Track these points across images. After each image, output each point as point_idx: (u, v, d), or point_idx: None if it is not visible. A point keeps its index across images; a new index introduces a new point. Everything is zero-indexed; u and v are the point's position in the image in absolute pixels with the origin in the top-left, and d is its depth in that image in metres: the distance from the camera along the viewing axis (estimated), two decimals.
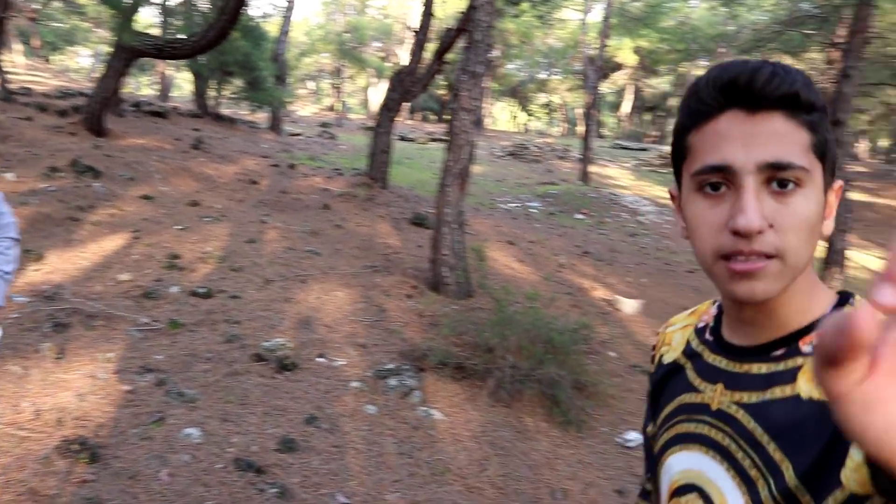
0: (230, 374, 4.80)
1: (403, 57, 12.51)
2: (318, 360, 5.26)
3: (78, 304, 5.52)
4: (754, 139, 0.83)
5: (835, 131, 7.15)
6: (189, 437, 3.97)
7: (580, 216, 15.32)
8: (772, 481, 0.85)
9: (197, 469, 3.69)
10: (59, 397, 4.20)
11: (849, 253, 9.54)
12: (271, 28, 26.70)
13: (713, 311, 1.10)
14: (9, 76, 17.22)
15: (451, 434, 4.66)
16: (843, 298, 0.95)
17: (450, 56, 12.90)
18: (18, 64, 26.76)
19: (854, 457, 0.76)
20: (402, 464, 4.19)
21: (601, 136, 37.74)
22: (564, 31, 38.02)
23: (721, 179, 0.85)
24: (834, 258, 9.25)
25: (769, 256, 0.83)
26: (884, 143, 36.94)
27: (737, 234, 0.83)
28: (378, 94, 45.94)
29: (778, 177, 0.83)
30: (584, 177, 20.46)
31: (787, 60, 27.39)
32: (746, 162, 0.83)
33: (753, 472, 0.88)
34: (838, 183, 0.92)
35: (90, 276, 6.28)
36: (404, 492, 3.92)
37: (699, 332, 1.09)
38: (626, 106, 41.23)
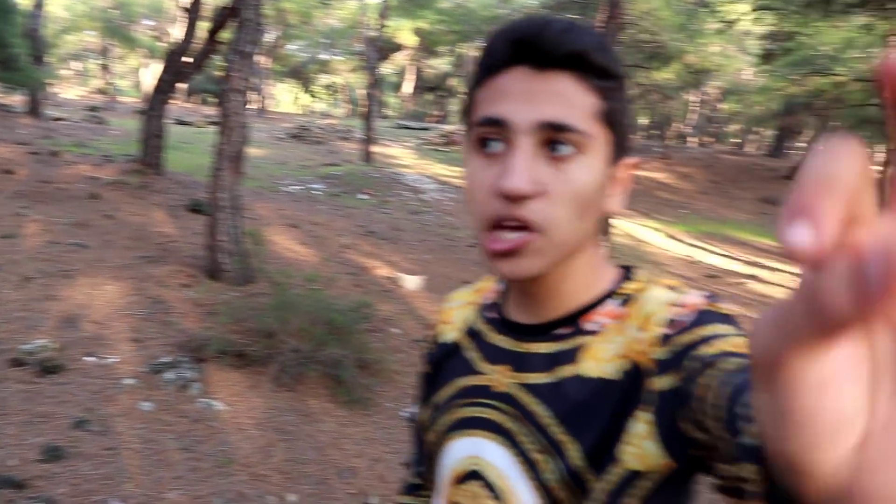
0: None
1: (176, 36, 11.97)
2: (86, 359, 4.96)
3: None
4: (536, 97, 0.78)
5: None
6: None
7: (364, 196, 15.42)
8: (556, 462, 0.83)
9: None
10: None
11: (613, 221, 10.30)
12: (24, 1, 24.49)
13: (499, 287, 1.06)
14: None
15: (233, 424, 4.58)
16: (626, 272, 0.94)
17: (224, 36, 12.48)
18: None
19: (632, 431, 0.78)
20: (182, 459, 4.07)
21: (384, 117, 38.12)
22: (344, 11, 37.91)
23: (497, 136, 0.80)
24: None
25: (531, 230, 0.79)
26: (645, 120, 40.10)
27: (506, 197, 0.78)
28: (151, 75, 43.63)
29: (556, 138, 0.78)
30: (367, 157, 20.59)
31: None
32: (523, 119, 0.78)
33: (537, 455, 0.86)
34: (634, 159, 0.89)
35: None
36: (186, 488, 3.82)
37: (483, 309, 1.05)
38: (408, 86, 41.85)
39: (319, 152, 22.11)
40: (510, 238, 0.79)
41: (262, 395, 4.97)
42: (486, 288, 1.09)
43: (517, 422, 0.89)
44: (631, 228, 15.40)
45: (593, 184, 0.81)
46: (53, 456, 3.82)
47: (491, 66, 0.83)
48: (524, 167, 0.77)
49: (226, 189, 7.01)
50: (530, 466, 0.86)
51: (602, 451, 0.81)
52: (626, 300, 0.89)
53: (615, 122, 0.83)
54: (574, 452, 0.83)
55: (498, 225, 0.80)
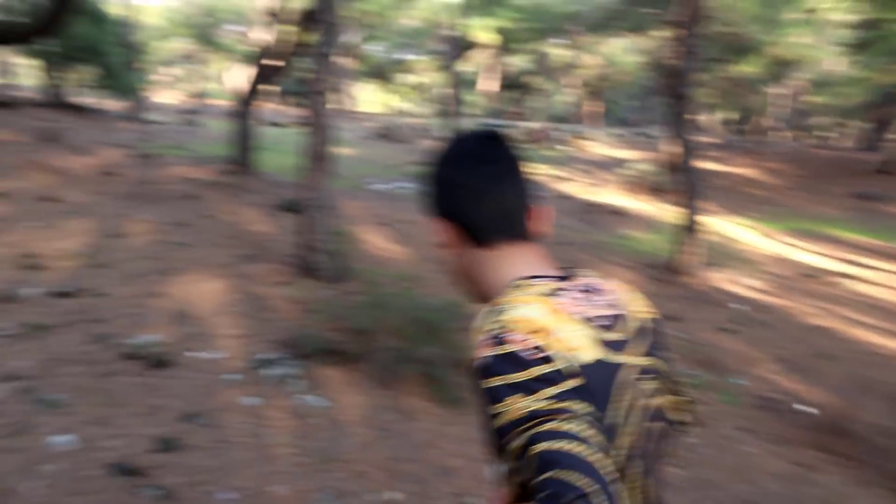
0: (101, 376, 4.62)
1: (259, 40, 12.31)
2: (193, 354, 5.14)
3: None
4: None
5: (679, 104, 7.52)
6: (61, 444, 3.81)
7: None
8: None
9: (72, 477, 3.55)
10: None
11: (703, 219, 10.08)
12: (119, 11, 25.45)
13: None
14: None
15: (335, 420, 4.66)
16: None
17: (307, 39, 12.73)
18: None
19: None
20: (287, 454, 4.17)
21: (465, 115, 38.14)
22: (423, 11, 38.07)
23: None
24: (690, 225, 9.73)
25: None
26: (734, 115, 39.02)
27: None
28: (238, 78, 44.71)
29: None
30: None
31: (635, 37, 28.58)
32: None
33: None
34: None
35: None
36: (291, 483, 3.91)
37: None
38: (489, 84, 41.81)
39: (405, 151, 22.30)
40: None
41: (361, 393, 5.05)
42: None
43: None
44: (722, 226, 15.03)
45: None
46: (166, 447, 3.96)
47: None
48: None
49: (316, 188, 7.16)
50: None
51: None
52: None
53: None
54: None
55: None
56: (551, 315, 1.08)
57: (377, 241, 9.35)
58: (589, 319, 1.14)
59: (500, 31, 34.59)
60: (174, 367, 4.92)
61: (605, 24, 22.05)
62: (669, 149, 10.73)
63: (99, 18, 19.97)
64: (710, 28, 15.53)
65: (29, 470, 3.55)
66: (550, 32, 35.10)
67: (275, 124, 24.89)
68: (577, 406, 0.96)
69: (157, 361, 4.87)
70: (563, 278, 1.22)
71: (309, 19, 11.42)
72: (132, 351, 4.96)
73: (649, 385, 1.19)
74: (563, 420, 0.92)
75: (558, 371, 1.00)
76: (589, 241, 12.01)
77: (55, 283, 6.08)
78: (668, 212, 12.87)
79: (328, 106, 7.28)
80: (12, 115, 16.14)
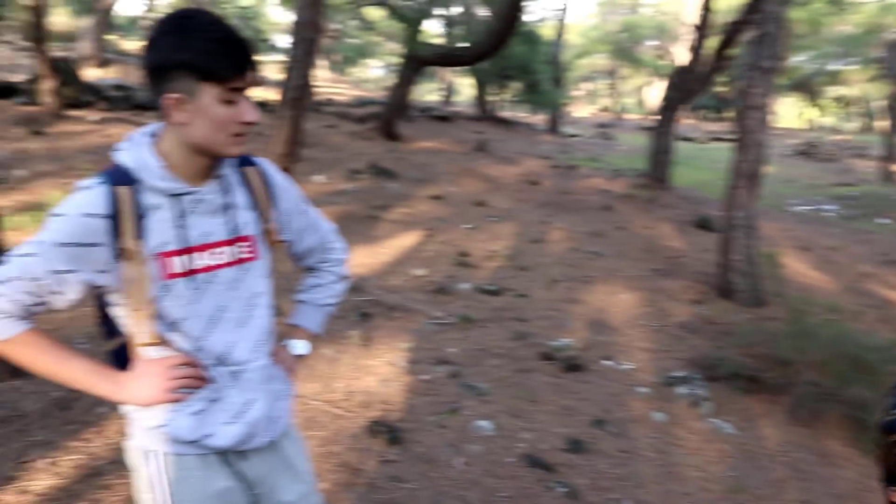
0: (519, 371, 4.92)
1: (680, 54, 12.09)
2: (604, 362, 5.23)
3: (379, 296, 5.96)
4: None
5: None
6: (481, 428, 4.11)
7: (884, 220, 13.86)
8: None
9: (488, 460, 3.81)
10: (366, 381, 4.55)
11: None
12: (547, 32, 27.01)
13: None
14: (316, 89, 18.99)
15: (744, 450, 4.41)
16: None
17: (732, 51, 12.26)
18: (322, 78, 29.44)
19: None
20: (692, 476, 4.03)
21: None
22: (860, 15, 34.55)
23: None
24: None
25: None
26: None
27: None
28: (655, 93, 44.95)
29: None
30: (888, 177, 18.51)
31: None
32: None
33: None
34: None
35: (389, 270, 6.75)
36: None
37: None
38: None
39: (830, 170, 20.56)
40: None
41: (775, 426, 4.71)
42: None
43: None
44: None
45: None
46: (576, 448, 4.06)
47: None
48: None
49: (741, 207, 6.85)
50: None
51: None
52: None
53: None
54: None
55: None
56: None
57: (796, 266, 8.70)
58: None
59: None
60: (587, 371, 5.05)
61: None
62: None
63: (532, 40, 21.43)
64: None
65: (455, 446, 3.88)
66: None
67: (688, 139, 24.52)
68: None
69: (572, 364, 5.04)
70: None
71: (739, 31, 11.02)
72: (549, 351, 5.21)
73: None
74: None
75: None
76: None
77: (483, 280, 6.62)
78: None
79: (762, 122, 6.92)
80: (451, 127, 18.02)
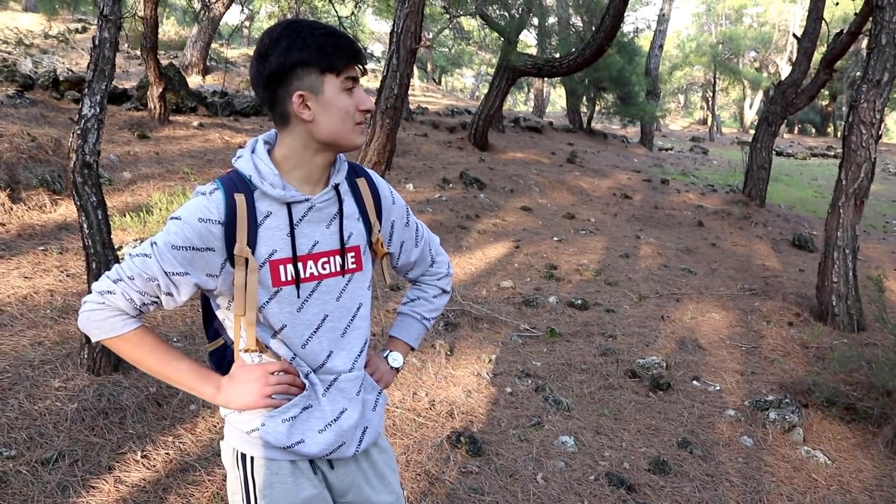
0: (604, 388, 4.87)
1: (782, 66, 11.71)
2: (692, 382, 5.13)
3: (466, 306, 6.00)
4: None
5: None
6: (564, 444, 4.09)
7: None
8: None
9: (570, 477, 3.79)
10: (450, 391, 4.58)
11: None
12: (644, 43, 26.68)
13: None
14: (410, 98, 19.25)
15: (837, 481, 4.25)
16: None
17: (839, 64, 11.84)
18: (416, 86, 29.81)
19: None
20: None
21: None
22: None
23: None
24: None
25: None
26: None
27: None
28: (753, 106, 43.78)
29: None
30: None
31: None
32: None
33: None
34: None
35: (476, 280, 6.79)
36: None
37: None
38: None
39: None
40: None
41: (872, 458, 4.52)
42: None
43: None
44: None
45: None
46: (660, 469, 4.00)
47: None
48: None
49: (844, 228, 6.61)
50: None
51: None
52: None
53: None
54: None
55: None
56: None
57: None
58: None
59: None
60: (673, 391, 4.96)
61: None
62: None
63: (629, 50, 21.19)
64: None
65: (537, 461, 3.88)
66: None
67: (782, 154, 23.76)
68: None
69: (658, 383, 4.96)
70: None
71: (850, 42, 10.64)
72: (635, 369, 5.14)
73: None
74: None
75: None
76: None
77: (571, 293, 6.58)
78: None
79: (873, 140, 6.66)
80: (542, 138, 17.96)
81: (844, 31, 10.88)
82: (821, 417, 4.85)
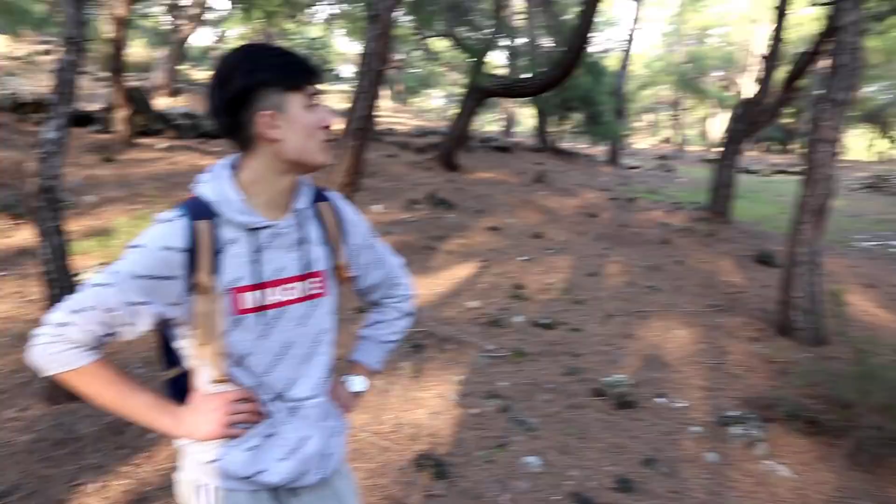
0: (570, 407, 4.88)
1: (746, 85, 11.96)
2: (657, 399, 5.15)
3: (432, 327, 5.98)
4: None
5: None
6: (529, 465, 4.09)
7: None
8: None
9: (535, 498, 3.78)
10: (415, 413, 4.56)
11: None
12: (611, 63, 27.00)
13: None
14: (378, 119, 19.29)
15: (799, 494, 4.28)
16: None
17: (802, 83, 12.06)
18: (384, 107, 29.88)
19: None
20: None
21: None
22: None
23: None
24: None
25: None
26: None
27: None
28: (718, 125, 44.36)
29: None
30: None
31: None
32: None
33: None
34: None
35: (443, 301, 6.78)
36: None
37: None
38: None
39: None
40: None
41: (834, 471, 4.56)
42: None
43: None
44: None
45: None
46: (625, 487, 4.01)
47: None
48: None
49: (805, 243, 6.70)
50: None
51: None
52: None
53: None
54: None
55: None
56: None
57: (862, 304, 8.45)
58: None
59: None
60: (639, 409, 4.98)
61: None
62: None
63: (596, 71, 21.43)
64: None
65: (502, 482, 3.87)
66: None
67: (751, 172, 24.09)
68: None
69: (624, 401, 4.98)
70: None
71: (810, 62, 10.83)
72: (601, 387, 5.15)
73: None
74: None
75: None
76: None
77: (537, 313, 6.60)
78: None
79: (832, 156, 6.78)
80: (510, 158, 18.09)
81: (806, 52, 11.09)
82: (784, 431, 4.89)
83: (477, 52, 16.07)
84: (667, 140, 47.18)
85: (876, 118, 43.85)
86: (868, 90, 40.67)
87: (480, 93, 15.07)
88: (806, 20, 24.09)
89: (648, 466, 4.28)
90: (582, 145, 26.09)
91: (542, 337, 6.09)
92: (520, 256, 8.38)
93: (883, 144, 48.66)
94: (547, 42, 21.02)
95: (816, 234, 6.71)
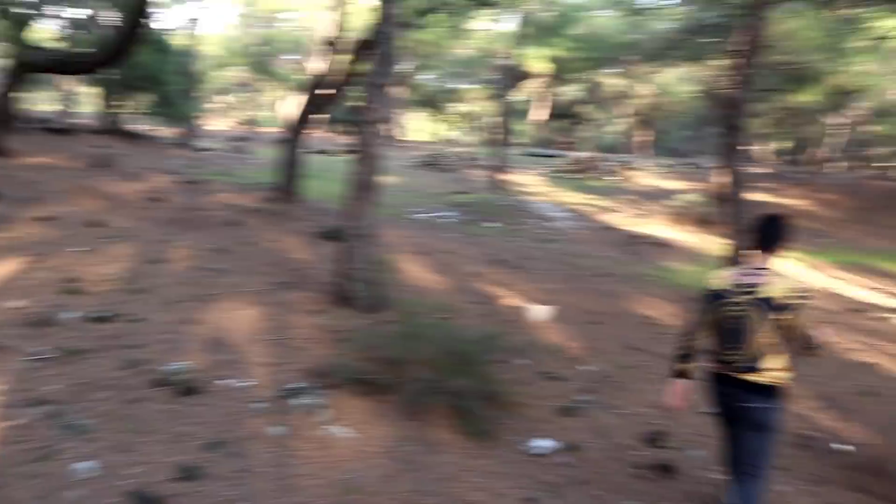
0: (129, 402, 4.63)
1: (313, 69, 12.49)
2: (222, 381, 5.13)
3: None
4: None
5: (732, 134, 7.45)
6: (81, 471, 3.80)
7: (493, 224, 15.43)
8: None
9: None
10: None
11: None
12: (180, 41, 26.09)
13: None
14: None
15: (360, 451, 4.60)
16: None
17: (362, 68, 12.86)
18: None
19: None
20: (309, 485, 4.12)
21: (514, 144, 38.15)
22: (478, 41, 38.28)
23: None
24: (735, 257, 9.49)
25: None
26: (788, 145, 38.25)
27: None
28: (290, 106, 45.42)
29: None
30: (497, 185, 20.65)
31: (691, 67, 28.21)
32: None
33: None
34: None
35: None
36: None
37: None
38: (539, 114, 41.79)
39: (450, 180, 22.35)
40: None
41: (389, 424, 4.97)
42: None
43: None
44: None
45: None
46: (189, 475, 3.94)
47: None
48: None
49: (359, 217, 7.17)
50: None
51: None
52: None
53: None
54: None
55: None
56: None
57: (416, 271, 9.32)
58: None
59: (555, 60, 34.60)
60: (203, 394, 4.91)
61: (662, 54, 21.88)
62: (719, 179, 10.56)
63: (162, 49, 20.51)
64: (768, 57, 15.27)
65: (49, 497, 3.55)
66: (605, 62, 35.01)
67: (322, 152, 25.12)
68: None
69: (187, 388, 4.87)
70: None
71: (364, 49, 11.54)
72: (163, 377, 4.98)
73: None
74: None
75: None
76: (629, 272, 11.82)
77: (93, 307, 6.15)
78: (713, 244, 12.65)
79: (379, 136, 7.30)
80: (69, 141, 16.61)
81: (362, 39, 11.83)
82: (345, 396, 5.20)
83: (18, 19, 14.41)
84: (242, 121, 47.12)
85: (431, 103, 48.55)
86: (424, 78, 44.82)
87: (25, 66, 13.55)
88: (366, 11, 25.68)
89: (214, 450, 4.26)
90: (152, 127, 24.90)
91: (98, 332, 5.68)
92: (75, 247, 7.72)
93: (439, 126, 54.10)
94: (108, 15, 19.57)
95: (367, 208, 7.22)
